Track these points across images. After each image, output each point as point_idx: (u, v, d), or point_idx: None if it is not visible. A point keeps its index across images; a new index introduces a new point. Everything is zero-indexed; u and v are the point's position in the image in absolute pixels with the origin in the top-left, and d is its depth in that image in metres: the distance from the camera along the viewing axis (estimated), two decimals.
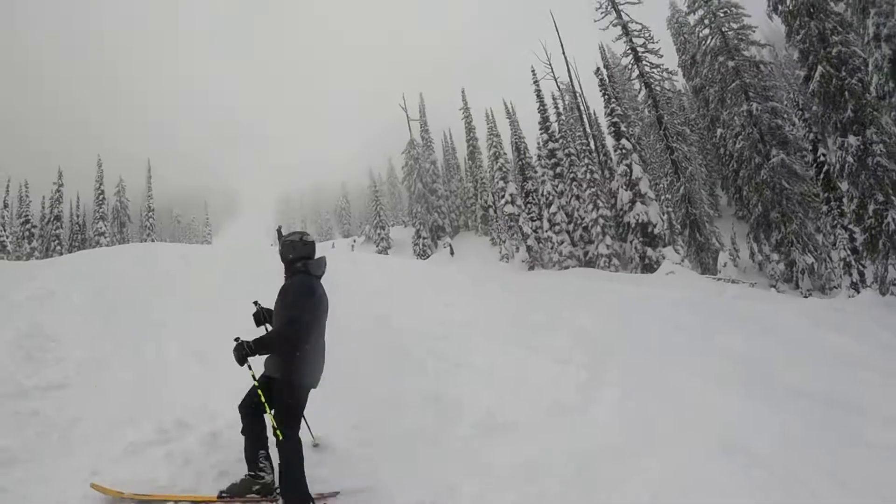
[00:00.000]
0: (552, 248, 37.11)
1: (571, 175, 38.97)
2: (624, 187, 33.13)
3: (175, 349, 8.61)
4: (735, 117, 31.88)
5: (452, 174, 68.65)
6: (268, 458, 5.24)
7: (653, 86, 36.09)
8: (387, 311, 11.91)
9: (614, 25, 36.80)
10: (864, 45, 17.87)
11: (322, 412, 6.79)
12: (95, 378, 7.12)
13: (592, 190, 35.92)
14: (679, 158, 35.45)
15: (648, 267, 31.07)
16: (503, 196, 41.88)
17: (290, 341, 5.05)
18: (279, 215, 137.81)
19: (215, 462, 5.63)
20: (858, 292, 20.74)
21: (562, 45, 43.47)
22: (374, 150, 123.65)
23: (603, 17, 37.21)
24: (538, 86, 41.71)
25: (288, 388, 5.14)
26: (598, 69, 37.60)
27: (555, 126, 42.04)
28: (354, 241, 72.36)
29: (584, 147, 39.21)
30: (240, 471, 5.43)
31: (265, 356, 5.27)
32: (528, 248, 38.13)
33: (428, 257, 53.65)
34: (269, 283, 14.49)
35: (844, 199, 20.05)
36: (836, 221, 26.39)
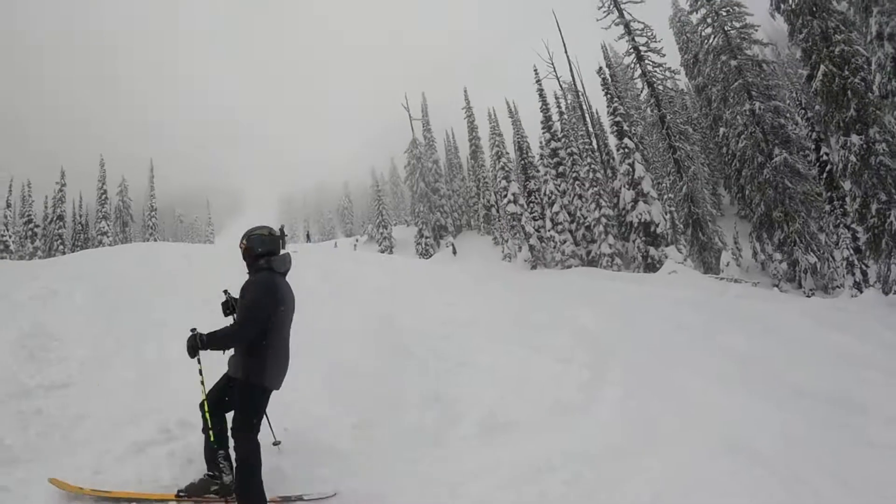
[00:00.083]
0: (555, 247, 37.14)
1: (574, 174, 38.96)
2: (626, 186, 33.13)
3: (177, 348, 8.58)
4: (738, 116, 31.83)
5: (455, 173, 68.67)
6: (227, 458, 5.13)
7: (655, 85, 36.05)
8: (389, 310, 11.91)
9: (616, 24, 36.78)
10: (867, 44, 17.84)
11: (324, 411, 6.81)
12: (98, 377, 7.13)
13: (595, 189, 35.93)
14: (681, 158, 35.42)
15: (651, 266, 31.08)
16: (506, 195, 41.87)
17: (241, 339, 4.99)
18: (282, 215, 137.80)
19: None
20: (861, 292, 20.72)
21: (564, 45, 43.53)
22: (376, 149, 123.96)
23: (605, 17, 37.22)
24: (541, 85, 41.80)
25: (248, 389, 5.02)
26: (601, 68, 37.57)
27: (557, 125, 42.07)
28: (357, 240, 72.29)
29: (586, 146, 39.21)
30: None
31: (232, 355, 5.20)
32: (531, 248, 38.16)
33: (430, 257, 53.66)
34: None
35: (847, 199, 20.03)
36: (838, 221, 26.33)
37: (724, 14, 33.27)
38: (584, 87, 44.64)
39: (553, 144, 41.04)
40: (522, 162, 46.22)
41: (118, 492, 4.96)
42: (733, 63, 31.95)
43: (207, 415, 5.05)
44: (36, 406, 6.17)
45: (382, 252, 57.74)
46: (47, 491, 4.86)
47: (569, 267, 35.31)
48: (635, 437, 6.43)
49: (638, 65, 36.42)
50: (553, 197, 38.12)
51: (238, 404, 5.03)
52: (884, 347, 10.79)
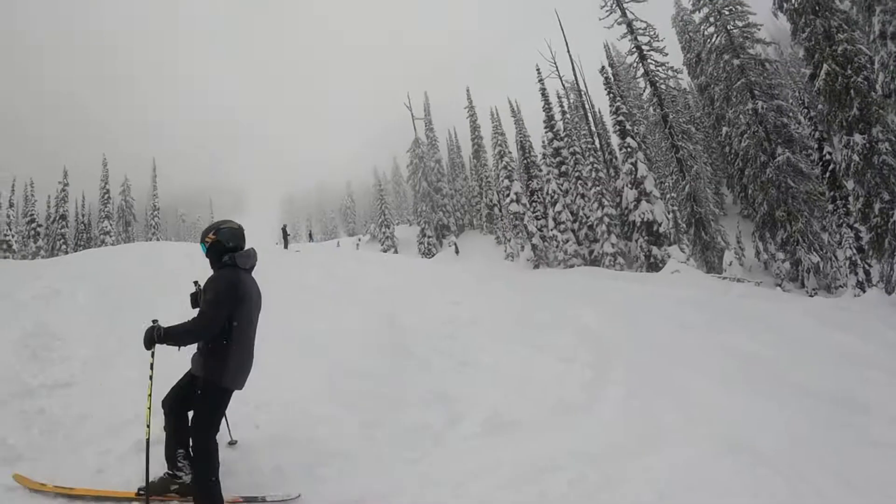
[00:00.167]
0: (557, 246, 37.15)
1: (576, 174, 38.98)
2: (629, 186, 33.14)
3: (180, 347, 8.62)
4: (740, 115, 31.79)
5: (457, 173, 68.77)
6: (187, 457, 5.04)
7: (658, 84, 36.02)
8: (391, 309, 11.92)
9: (619, 23, 36.75)
10: (870, 43, 17.81)
11: (325, 411, 6.81)
12: (101, 377, 7.14)
13: (597, 188, 35.96)
14: (684, 157, 35.39)
15: (653, 266, 31.10)
16: (508, 195, 41.89)
17: (199, 336, 4.89)
18: (284, 214, 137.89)
19: (221, 460, 5.62)
20: (864, 291, 20.69)
21: (566, 44, 43.54)
22: (378, 148, 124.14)
23: (608, 16, 37.18)
24: (543, 84, 41.76)
25: (209, 388, 4.89)
26: (603, 67, 37.56)
27: (560, 124, 42.08)
28: (359, 239, 72.46)
29: (588, 145, 39.19)
30: (243, 469, 5.44)
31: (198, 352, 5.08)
32: (533, 247, 38.16)
33: (433, 256, 53.76)
34: (274, 280, 14.51)
35: (850, 198, 19.98)
36: (841, 220, 26.27)
37: (727, 13, 33.22)
38: (586, 87, 44.74)
39: (556, 144, 41.04)
40: (525, 161, 46.23)
41: (80, 489, 4.95)
42: (736, 62, 31.90)
43: (148, 411, 4.93)
44: (39, 405, 6.18)
45: (385, 251, 57.81)
46: (10, 486, 4.90)
47: (571, 266, 35.34)
48: (638, 437, 6.43)
49: (640, 64, 36.38)
50: (556, 196, 38.14)
51: (197, 403, 4.92)
52: (887, 347, 10.78)
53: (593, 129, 42.84)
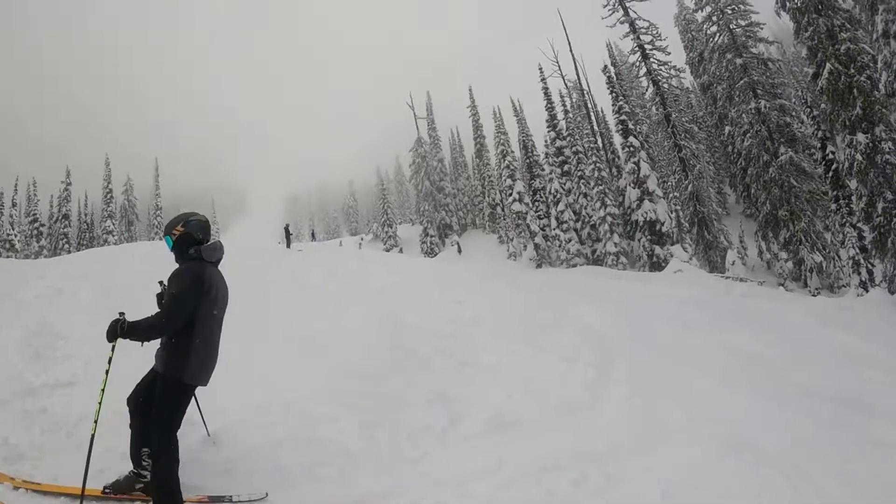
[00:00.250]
0: (560, 246, 37.13)
1: (579, 173, 38.99)
2: (632, 185, 33.10)
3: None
4: (743, 115, 31.74)
5: (460, 172, 68.82)
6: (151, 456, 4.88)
7: (660, 83, 35.99)
8: (394, 309, 11.92)
9: (621, 23, 36.73)
10: (873, 42, 17.83)
11: (327, 411, 6.81)
12: (103, 376, 7.15)
13: (600, 188, 35.94)
14: (687, 156, 35.36)
15: (656, 265, 31.06)
16: (511, 194, 41.81)
17: (163, 331, 4.75)
18: (287, 214, 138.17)
19: (222, 459, 5.62)
20: (867, 291, 20.70)
21: (569, 43, 43.46)
22: (381, 148, 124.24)
23: (610, 15, 37.16)
24: (545, 83, 41.71)
25: (170, 383, 4.78)
26: (606, 67, 37.50)
27: (562, 124, 42.09)
28: (362, 239, 72.48)
29: (591, 145, 39.17)
30: (244, 468, 5.44)
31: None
32: (536, 247, 38.11)
33: (435, 255, 53.77)
34: (275, 280, 14.54)
35: (853, 198, 20.01)
36: (844, 220, 26.30)
37: (730, 12, 33.17)
38: (589, 86, 44.65)
39: (558, 143, 41.07)
40: (527, 160, 46.21)
41: (46, 485, 4.93)
42: (739, 61, 31.86)
43: (98, 406, 4.80)
44: (41, 405, 6.18)
45: (388, 251, 57.85)
46: None
47: (574, 266, 35.31)
48: (641, 436, 6.42)
49: (643, 63, 36.35)
50: (558, 195, 38.13)
51: (158, 399, 4.78)
52: (889, 347, 10.78)
53: (596, 128, 42.81)
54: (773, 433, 6.44)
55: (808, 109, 31.42)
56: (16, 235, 50.25)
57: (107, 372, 4.92)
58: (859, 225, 22.31)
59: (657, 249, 31.61)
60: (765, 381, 8.53)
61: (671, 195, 37.60)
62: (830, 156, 26.94)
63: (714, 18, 33.91)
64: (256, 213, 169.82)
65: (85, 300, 9.93)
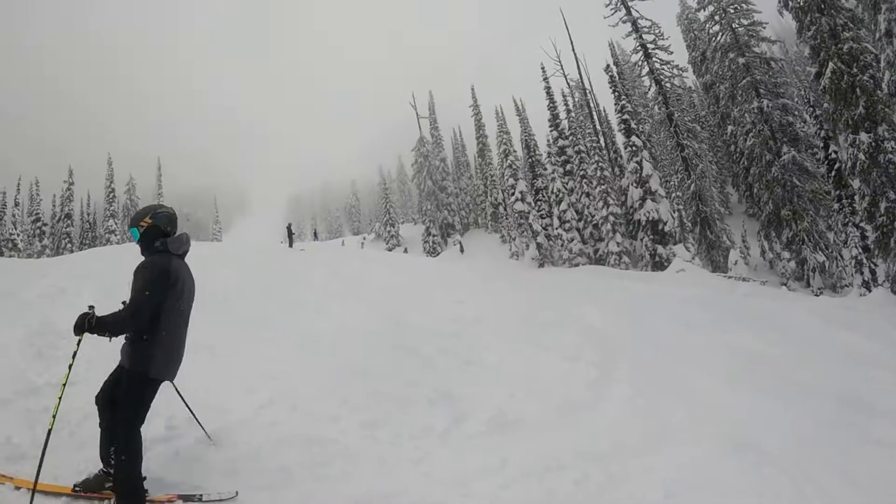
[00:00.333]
0: (562, 245, 37.10)
1: (581, 172, 38.95)
2: (634, 185, 33.09)
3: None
4: (746, 114, 31.73)
5: (462, 171, 68.82)
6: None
7: (663, 83, 35.99)
8: (396, 308, 11.92)
9: (624, 22, 36.76)
10: (876, 42, 17.81)
11: (330, 410, 6.81)
12: (105, 375, 7.15)
13: (602, 187, 35.91)
14: (689, 155, 35.34)
15: (659, 265, 31.04)
16: (513, 193, 41.84)
17: (131, 326, 4.63)
18: (289, 213, 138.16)
19: (225, 459, 5.61)
20: (870, 291, 20.68)
21: (571, 43, 43.44)
22: (383, 147, 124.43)
23: (612, 14, 37.21)
24: (548, 83, 41.71)
25: (135, 377, 4.70)
26: (608, 66, 37.56)
27: (565, 123, 42.02)
28: (364, 238, 72.49)
29: (594, 144, 39.18)
30: (245, 468, 5.44)
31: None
32: (538, 246, 38.12)
33: (438, 255, 53.76)
34: (277, 279, 14.54)
35: (856, 197, 19.98)
36: (847, 219, 26.25)
37: (732, 11, 33.17)
38: (591, 85, 44.70)
39: (560, 142, 41.01)
40: (530, 160, 46.23)
41: (19, 479, 4.89)
42: (741, 60, 31.85)
43: (58, 401, 4.75)
44: (44, 404, 6.18)
45: (390, 250, 57.90)
46: None
47: (576, 265, 35.29)
48: (644, 436, 6.42)
49: (645, 62, 36.36)
50: (560, 195, 38.08)
51: (123, 394, 4.71)
52: (892, 347, 10.78)
53: (598, 127, 42.81)
54: (776, 433, 6.44)
55: (811, 109, 31.37)
56: (18, 235, 50.34)
57: (70, 367, 4.91)
58: (862, 224, 22.28)
59: (660, 249, 31.59)
60: (768, 381, 8.52)
61: (674, 195, 37.62)
62: (833, 155, 26.88)
63: (716, 18, 33.91)
64: (258, 212, 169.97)
65: (87, 300, 9.90)
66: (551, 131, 41.91)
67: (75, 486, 4.86)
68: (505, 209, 51.96)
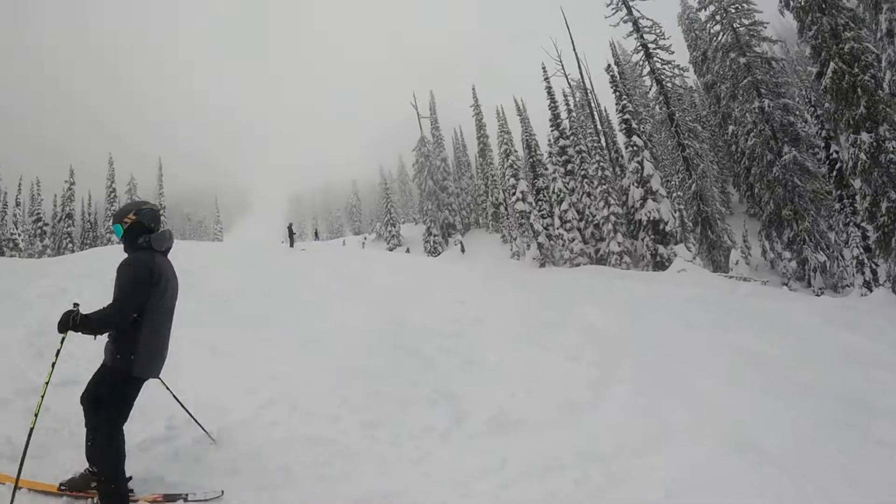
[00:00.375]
0: (563, 245, 37.09)
1: (582, 172, 38.95)
2: (635, 184, 33.08)
3: (187, 345, 8.63)
4: (747, 114, 31.70)
5: (463, 171, 68.79)
6: None
7: (664, 82, 35.99)
8: (397, 308, 11.94)
9: (625, 22, 36.76)
10: (877, 41, 17.80)
11: (331, 410, 6.81)
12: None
13: (604, 187, 35.89)
14: (690, 155, 35.34)
15: (660, 264, 31.02)
16: (514, 193, 41.80)
17: (116, 323, 4.59)
18: (290, 213, 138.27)
19: (226, 459, 5.61)
20: (871, 291, 20.65)
21: (572, 42, 43.42)
22: (384, 147, 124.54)
23: (613, 14, 37.22)
24: (549, 83, 41.72)
25: (118, 375, 4.66)
26: (609, 66, 37.52)
27: (566, 123, 42.02)
28: (365, 238, 72.52)
29: (595, 144, 39.19)
30: (246, 468, 5.44)
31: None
32: (539, 246, 38.10)
33: (439, 254, 53.77)
34: (278, 279, 14.54)
35: (857, 197, 19.94)
36: (848, 219, 26.18)
37: (733, 11, 33.14)
38: (592, 85, 44.63)
39: (562, 142, 41.01)
40: (531, 160, 46.24)
41: (2, 475, 4.88)
42: (742, 60, 31.82)
43: (41, 399, 4.73)
44: (44, 404, 6.18)
45: (391, 250, 57.94)
46: None
47: (577, 265, 35.29)
48: (645, 436, 6.42)
49: (646, 62, 36.36)
50: (562, 195, 38.06)
51: (106, 392, 4.66)
52: (893, 346, 10.77)
53: (599, 127, 42.80)
54: (777, 432, 6.43)
55: (812, 108, 31.25)
56: (19, 235, 50.33)
57: (53, 364, 4.89)
58: (863, 224, 22.21)
59: (661, 249, 31.58)
60: (769, 381, 8.52)
61: (675, 194, 37.61)
62: (834, 155, 26.81)
63: (717, 17, 33.87)
64: (259, 212, 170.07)
65: (88, 299, 9.87)
66: (552, 131, 41.90)
67: (61, 484, 4.85)
68: (506, 209, 51.95)
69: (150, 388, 6.02)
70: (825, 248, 28.71)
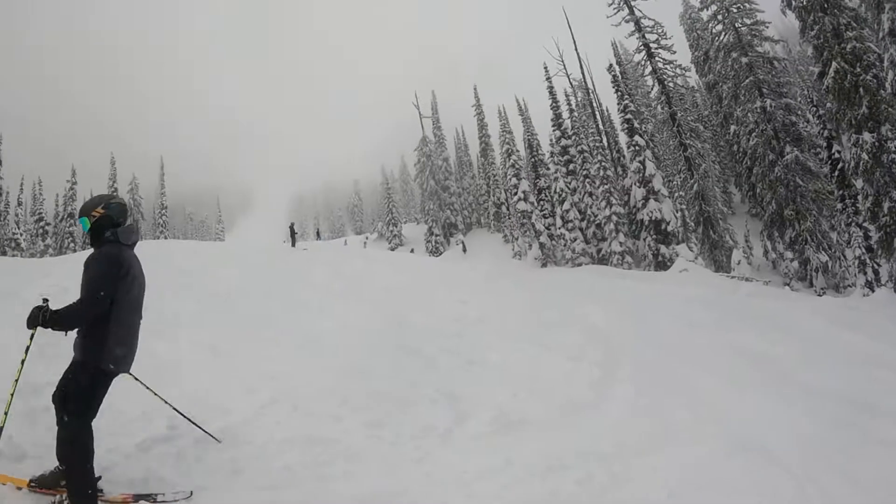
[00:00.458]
0: (565, 245, 37.05)
1: (584, 172, 38.90)
2: (637, 184, 33.04)
3: (189, 344, 8.65)
4: (749, 114, 31.66)
5: (465, 171, 68.72)
6: None
7: (666, 82, 35.97)
8: (399, 308, 11.94)
9: (627, 21, 36.75)
10: (879, 41, 17.79)
11: (332, 410, 6.81)
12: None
13: (605, 187, 35.86)
14: (692, 155, 35.32)
15: (662, 264, 30.99)
16: (516, 193, 41.76)
17: (86, 318, 4.58)
18: (292, 213, 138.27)
19: (228, 458, 5.61)
20: (873, 291, 20.64)
21: (574, 42, 43.45)
22: (385, 147, 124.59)
23: (615, 13, 37.21)
24: (551, 83, 41.73)
25: (88, 370, 4.64)
26: (611, 66, 37.49)
27: (567, 123, 42.01)
28: (367, 238, 72.49)
29: (596, 144, 39.12)
30: (248, 468, 5.43)
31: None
32: (541, 246, 38.06)
33: (440, 254, 53.75)
34: (280, 278, 14.54)
35: (859, 197, 19.95)
36: (850, 219, 26.17)
37: (735, 11, 33.10)
38: (594, 85, 44.60)
39: (563, 142, 40.99)
40: (533, 159, 46.22)
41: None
42: (744, 60, 31.79)
43: (11, 397, 4.74)
44: (45, 403, 6.15)
45: (393, 250, 57.94)
46: None
47: (579, 265, 35.25)
48: (647, 436, 6.41)
49: (648, 62, 36.36)
50: (563, 195, 38.04)
51: (76, 387, 4.62)
52: (895, 346, 10.75)
53: (601, 127, 42.76)
54: (779, 433, 6.43)
55: (814, 108, 31.28)
56: (21, 234, 50.37)
57: (23, 362, 4.93)
58: (865, 224, 22.21)
59: (662, 248, 31.55)
60: (771, 381, 8.52)
61: (676, 194, 37.57)
62: (836, 155, 26.83)
63: (719, 17, 33.84)
64: (261, 212, 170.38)
65: None
66: (554, 131, 41.89)
67: (31, 480, 4.82)
68: (508, 209, 51.91)
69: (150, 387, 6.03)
70: (827, 248, 28.69)
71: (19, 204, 52.41)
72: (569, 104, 42.95)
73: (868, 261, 23.11)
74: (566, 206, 37.57)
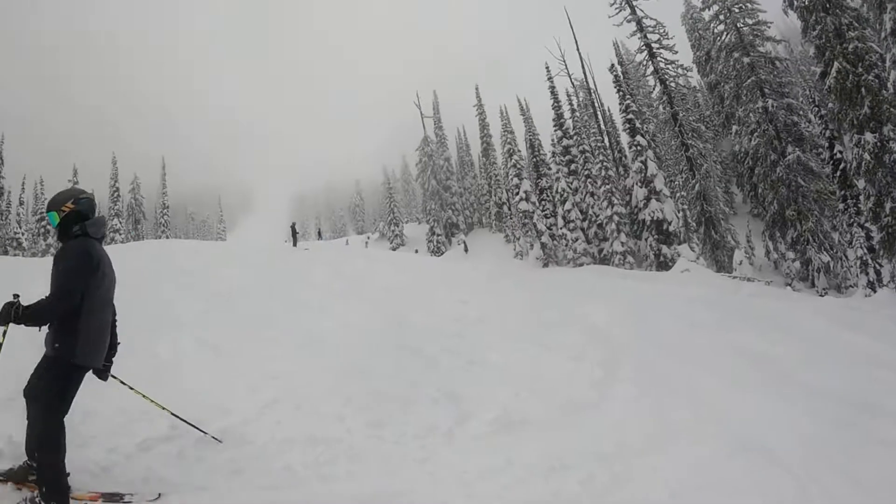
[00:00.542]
0: (566, 245, 37.05)
1: (586, 172, 38.87)
2: (639, 184, 33.03)
3: (191, 344, 8.65)
4: (750, 114, 31.64)
5: (466, 171, 68.78)
6: None
7: (667, 82, 35.99)
8: (400, 308, 11.94)
9: (628, 21, 36.78)
10: (881, 41, 17.76)
11: (334, 410, 6.81)
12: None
13: (607, 187, 35.84)
14: (694, 155, 35.34)
15: (663, 264, 30.98)
16: (517, 193, 41.71)
17: (58, 313, 4.55)
18: (293, 213, 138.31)
19: (229, 458, 5.61)
20: (875, 291, 20.61)
21: (576, 42, 43.45)
22: (387, 147, 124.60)
23: (617, 13, 37.22)
24: (552, 82, 41.68)
25: (60, 364, 4.61)
26: (613, 66, 37.43)
27: (569, 123, 42.00)
28: (368, 237, 72.55)
29: (598, 144, 39.08)
30: (249, 467, 5.43)
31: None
32: (543, 246, 38.03)
33: (442, 254, 53.79)
34: (281, 278, 14.55)
35: (861, 197, 19.90)
36: (852, 219, 26.11)
37: (737, 10, 33.11)
38: (595, 85, 44.61)
39: (565, 142, 40.97)
40: (534, 159, 46.18)
41: None
42: (746, 60, 31.79)
43: None
44: None
45: (394, 249, 57.99)
46: None
47: (581, 265, 35.24)
48: (648, 436, 6.41)
49: (650, 62, 36.38)
50: (565, 195, 38.04)
51: (46, 382, 4.61)
52: None
53: (603, 127, 42.74)
54: (781, 433, 6.42)
55: (816, 108, 31.20)
56: (23, 234, 50.38)
57: None
58: (867, 225, 22.16)
59: (664, 249, 31.54)
60: (772, 381, 8.50)
61: (678, 194, 37.53)
62: (838, 155, 26.76)
63: (721, 17, 33.85)
64: (262, 212, 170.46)
65: None
66: (555, 131, 41.89)
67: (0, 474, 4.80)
68: (509, 209, 51.94)
69: (150, 387, 6.03)
70: (829, 248, 28.68)
71: (21, 203, 52.45)
72: (570, 104, 42.97)
73: (870, 261, 23.07)
74: (568, 206, 37.58)
